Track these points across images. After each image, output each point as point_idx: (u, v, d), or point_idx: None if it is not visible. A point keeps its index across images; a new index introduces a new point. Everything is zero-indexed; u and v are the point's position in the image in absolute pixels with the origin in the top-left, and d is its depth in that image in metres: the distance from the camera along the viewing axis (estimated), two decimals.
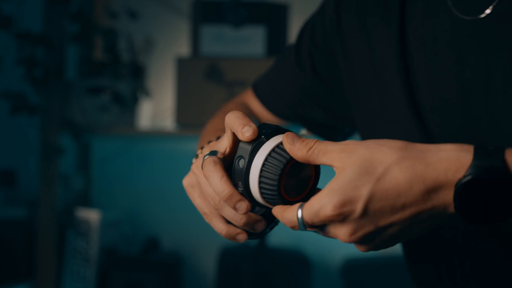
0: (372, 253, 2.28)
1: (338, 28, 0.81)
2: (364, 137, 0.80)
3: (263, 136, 0.59)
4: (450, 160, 0.53)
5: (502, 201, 0.52)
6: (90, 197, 2.29)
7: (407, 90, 0.71)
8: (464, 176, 0.52)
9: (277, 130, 0.60)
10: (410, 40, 0.73)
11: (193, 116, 1.98)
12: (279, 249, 2.13)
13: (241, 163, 0.59)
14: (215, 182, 0.60)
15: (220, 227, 0.64)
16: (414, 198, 0.53)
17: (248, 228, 0.63)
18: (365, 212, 0.54)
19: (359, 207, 0.53)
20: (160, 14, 2.36)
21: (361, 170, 0.54)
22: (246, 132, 0.59)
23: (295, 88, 0.88)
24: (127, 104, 2.03)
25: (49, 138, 1.89)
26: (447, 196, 0.53)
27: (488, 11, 0.67)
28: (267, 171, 0.57)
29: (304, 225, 0.56)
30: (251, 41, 2.03)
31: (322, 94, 0.86)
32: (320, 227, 0.57)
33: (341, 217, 0.54)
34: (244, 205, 0.60)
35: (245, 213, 0.61)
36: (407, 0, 0.75)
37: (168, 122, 2.31)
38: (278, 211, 0.59)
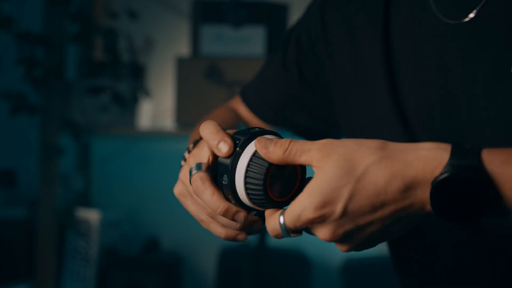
0: (372, 254, 2.28)
1: (324, 32, 0.81)
2: None
3: (238, 148, 0.59)
4: (428, 159, 0.54)
5: (476, 199, 0.52)
6: (90, 197, 2.29)
7: (392, 94, 0.71)
8: (441, 174, 0.53)
9: (250, 137, 0.60)
10: (395, 44, 0.73)
11: (193, 116, 1.98)
12: (279, 249, 2.13)
13: (225, 179, 0.60)
14: (208, 199, 0.60)
15: (219, 231, 0.64)
16: (393, 196, 0.54)
17: (246, 230, 0.63)
18: (345, 212, 0.54)
19: (339, 208, 0.54)
20: (160, 14, 2.36)
21: (341, 171, 0.54)
22: (222, 148, 0.60)
23: (281, 93, 0.89)
24: (127, 104, 2.03)
25: (49, 138, 1.89)
26: (424, 194, 0.54)
27: (471, 15, 0.66)
28: (252, 183, 0.58)
29: (287, 231, 0.57)
30: (251, 41, 2.03)
31: (309, 98, 0.86)
32: (304, 229, 0.57)
33: (321, 219, 0.54)
34: (241, 215, 0.60)
35: (244, 221, 0.61)
36: (391, 4, 0.74)
37: (168, 122, 2.31)
38: (266, 218, 0.59)
